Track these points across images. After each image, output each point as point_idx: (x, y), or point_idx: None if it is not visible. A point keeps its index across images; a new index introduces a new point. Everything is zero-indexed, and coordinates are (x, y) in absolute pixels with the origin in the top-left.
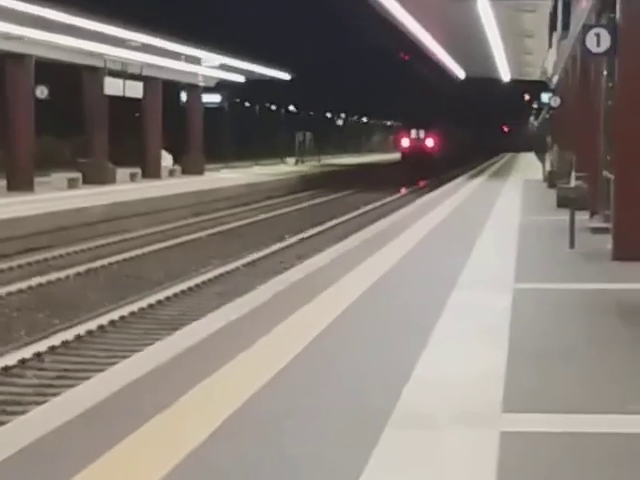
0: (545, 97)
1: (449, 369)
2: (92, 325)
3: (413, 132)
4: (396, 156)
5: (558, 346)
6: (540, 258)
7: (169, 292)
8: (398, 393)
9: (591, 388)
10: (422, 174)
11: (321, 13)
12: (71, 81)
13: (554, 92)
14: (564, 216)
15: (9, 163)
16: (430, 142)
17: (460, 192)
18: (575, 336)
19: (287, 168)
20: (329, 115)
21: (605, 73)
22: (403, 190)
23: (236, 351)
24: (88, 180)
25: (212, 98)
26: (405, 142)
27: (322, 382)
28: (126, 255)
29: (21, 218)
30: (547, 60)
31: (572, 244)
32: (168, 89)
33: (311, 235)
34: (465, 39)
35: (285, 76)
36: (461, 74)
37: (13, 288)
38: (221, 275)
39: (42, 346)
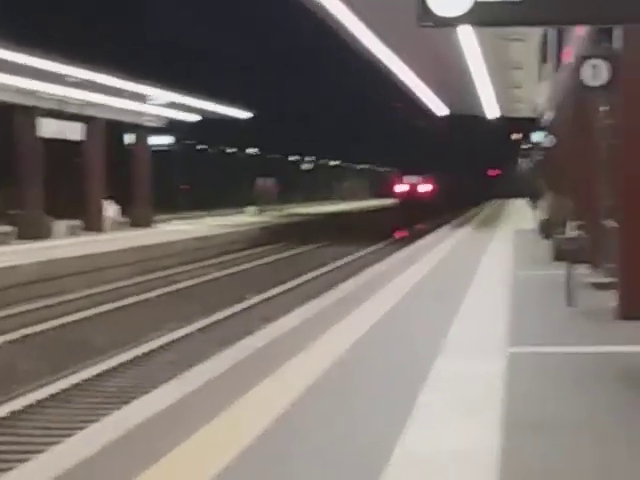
0: (536, 136)
1: (436, 447)
2: (29, 400)
3: (408, 178)
4: (371, 204)
5: (558, 420)
6: (535, 318)
7: (115, 361)
8: (378, 474)
9: (599, 470)
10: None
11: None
12: (1, 123)
13: (546, 130)
14: (561, 270)
15: None
16: (425, 188)
17: (443, 244)
18: (577, 408)
19: (246, 218)
20: (294, 158)
21: (604, 109)
22: (380, 242)
23: (190, 430)
24: (21, 234)
25: (161, 140)
26: (400, 188)
27: (288, 468)
28: (66, 319)
29: None
30: (538, 95)
31: (570, 301)
32: (112, 130)
33: (276, 294)
34: (447, 71)
35: (245, 114)
36: (444, 111)
37: None
38: (174, 341)
39: None
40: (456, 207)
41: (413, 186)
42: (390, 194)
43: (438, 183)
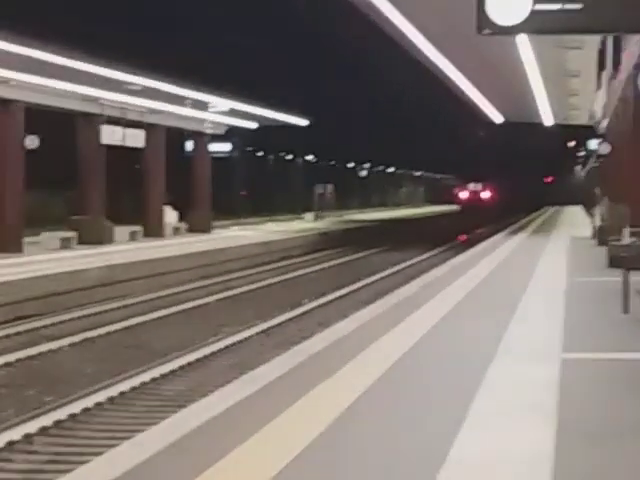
0: (593, 144)
1: (489, 451)
2: (88, 402)
3: (471, 185)
4: (427, 210)
5: (611, 427)
6: (590, 324)
7: (174, 365)
8: (432, 477)
9: None
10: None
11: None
12: (64, 130)
13: (603, 138)
14: (617, 277)
15: None
16: (486, 194)
17: (499, 250)
18: (631, 415)
19: (305, 224)
20: (351, 165)
21: None
22: (436, 248)
23: (249, 432)
24: (83, 239)
25: (221, 147)
26: (463, 194)
27: (346, 468)
28: (126, 323)
29: (8, 282)
30: (595, 102)
31: (626, 309)
32: (172, 137)
33: (333, 299)
34: (502, 79)
35: (302, 122)
36: (499, 118)
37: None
38: (232, 345)
39: (32, 427)
40: (515, 213)
41: (476, 193)
42: (454, 201)
43: (498, 190)
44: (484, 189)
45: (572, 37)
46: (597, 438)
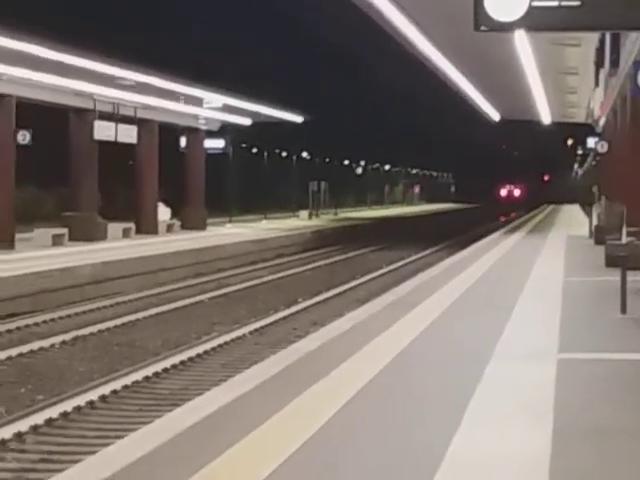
0: (591, 142)
1: (485, 451)
2: (80, 401)
3: (507, 186)
4: (426, 208)
5: (607, 426)
6: (587, 324)
7: (167, 363)
8: (429, 478)
9: None
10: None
11: (338, 49)
12: (56, 125)
13: (601, 136)
14: (614, 276)
15: None
16: (517, 192)
17: (495, 250)
18: (627, 415)
19: (300, 222)
20: (347, 162)
21: None
22: (432, 246)
23: (243, 431)
24: (75, 236)
25: (215, 143)
26: (502, 192)
27: (339, 468)
28: (118, 321)
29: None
30: (593, 100)
31: (624, 308)
32: (165, 133)
33: (327, 298)
34: (500, 76)
35: (297, 118)
36: (495, 116)
37: None
38: (226, 344)
39: (24, 425)
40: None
41: (510, 191)
42: (495, 197)
43: (527, 188)
44: (515, 188)
45: (570, 34)
46: (594, 438)
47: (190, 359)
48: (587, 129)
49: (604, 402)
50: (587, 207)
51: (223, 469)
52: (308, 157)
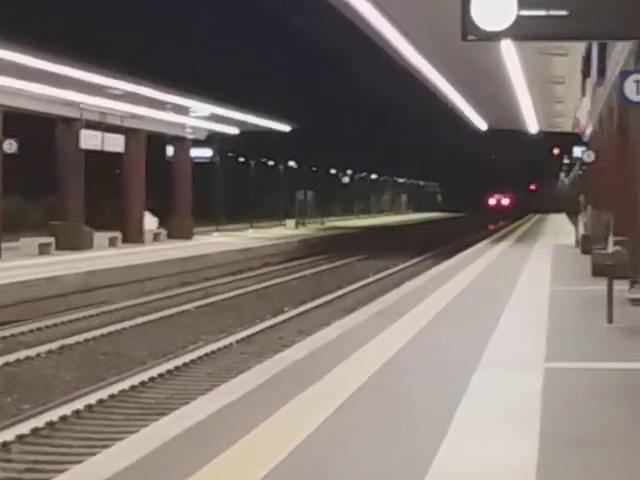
0: (578, 151)
1: (472, 460)
2: (66, 410)
3: (495, 195)
4: (413, 217)
5: (593, 436)
6: (574, 334)
7: (153, 372)
8: None
9: None
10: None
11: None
12: (43, 134)
13: (588, 145)
14: (600, 286)
15: None
16: (506, 201)
17: (482, 259)
18: (613, 425)
19: (286, 231)
20: (333, 171)
21: None
22: (419, 255)
23: (229, 441)
24: (61, 245)
25: (202, 152)
26: (490, 201)
27: (327, 477)
28: (105, 330)
29: None
30: (580, 110)
31: (610, 318)
32: (152, 142)
33: (314, 307)
34: (487, 86)
35: (284, 127)
36: (483, 126)
37: None
38: (212, 353)
39: (9, 434)
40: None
41: (499, 200)
42: (484, 206)
43: (515, 197)
44: (504, 197)
45: (557, 44)
46: (580, 447)
47: (176, 368)
48: (573, 138)
49: (591, 411)
50: (573, 216)
51: (210, 478)
52: (295, 166)
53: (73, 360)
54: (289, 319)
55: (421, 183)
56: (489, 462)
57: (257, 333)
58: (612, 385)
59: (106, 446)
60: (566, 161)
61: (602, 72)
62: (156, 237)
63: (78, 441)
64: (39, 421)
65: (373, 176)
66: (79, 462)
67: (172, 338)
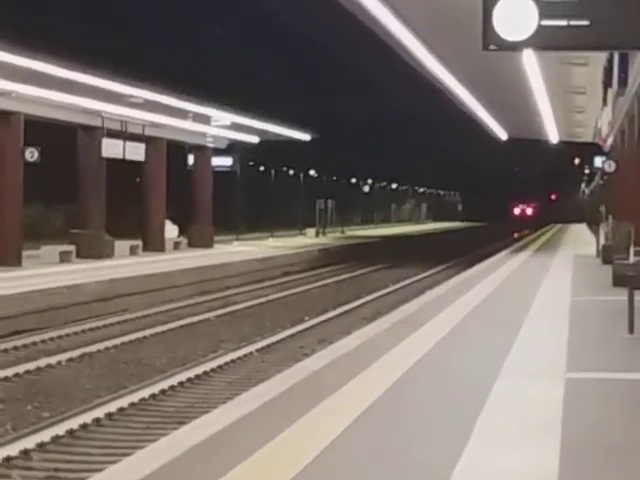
0: (598, 161)
1: (494, 470)
2: (87, 418)
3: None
4: (433, 227)
5: (614, 446)
6: (595, 344)
7: (174, 381)
8: None
9: None
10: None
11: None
12: (64, 142)
13: (609, 155)
14: (621, 296)
15: None
16: (530, 211)
17: (502, 269)
18: (634, 435)
19: (306, 240)
20: (354, 181)
21: None
22: (439, 265)
23: (248, 450)
24: (82, 253)
25: (222, 161)
26: (515, 211)
27: None
28: (125, 338)
29: (7, 297)
30: (601, 119)
31: (631, 328)
32: (173, 151)
33: (335, 316)
34: (508, 96)
35: (305, 136)
36: (503, 135)
37: None
38: (232, 362)
39: (30, 442)
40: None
41: (523, 210)
42: (509, 215)
43: (536, 208)
44: (528, 207)
45: (578, 53)
46: (601, 458)
47: (197, 377)
48: (594, 148)
49: (612, 422)
50: (594, 226)
51: None
52: (315, 175)
53: (94, 368)
54: (309, 328)
55: (441, 192)
56: (510, 472)
57: (277, 342)
58: (634, 396)
59: (126, 454)
60: (587, 171)
61: (623, 82)
62: (177, 245)
63: (98, 449)
64: (60, 429)
65: (393, 185)
66: (100, 470)
67: (192, 346)
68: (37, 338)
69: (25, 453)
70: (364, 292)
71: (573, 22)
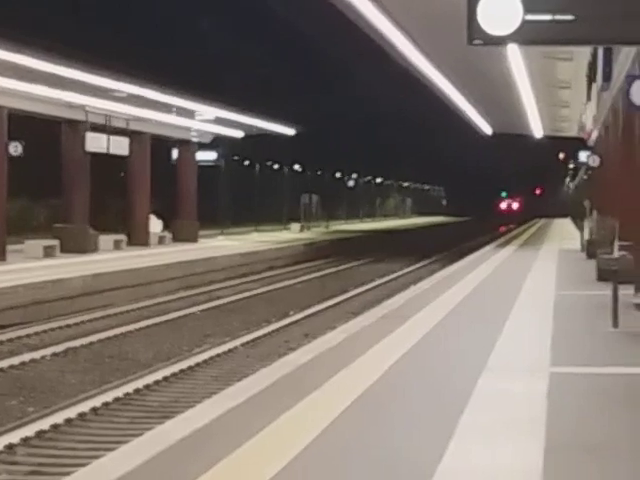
0: (583, 156)
1: (477, 466)
2: (71, 413)
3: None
4: (416, 221)
5: (598, 441)
6: (579, 338)
7: (158, 375)
8: None
9: None
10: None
11: (330, 62)
12: (48, 137)
13: (593, 150)
14: (606, 291)
15: None
16: (515, 205)
17: (487, 263)
18: (618, 430)
19: (291, 235)
20: (338, 175)
21: None
22: (424, 259)
23: (235, 444)
24: (66, 248)
25: (207, 156)
26: (502, 206)
27: None
28: (110, 333)
29: None
30: (585, 114)
31: (615, 322)
32: (157, 145)
33: (320, 310)
34: (492, 90)
35: (289, 131)
36: (488, 130)
37: None
38: (217, 356)
39: (14, 437)
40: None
41: (509, 204)
42: (495, 210)
43: (522, 202)
44: (513, 202)
45: (563, 48)
46: (586, 452)
47: (181, 371)
48: (579, 143)
49: (596, 416)
50: (579, 221)
51: None
52: (300, 170)
53: (78, 363)
54: (294, 322)
55: (426, 187)
56: (494, 468)
57: (263, 336)
58: (618, 390)
59: (111, 449)
60: (571, 166)
61: (608, 77)
62: (161, 240)
63: (83, 444)
64: (44, 424)
65: (378, 180)
66: (84, 465)
67: (177, 341)
68: (21, 333)
69: (9, 448)
70: (349, 286)
71: (558, 17)
